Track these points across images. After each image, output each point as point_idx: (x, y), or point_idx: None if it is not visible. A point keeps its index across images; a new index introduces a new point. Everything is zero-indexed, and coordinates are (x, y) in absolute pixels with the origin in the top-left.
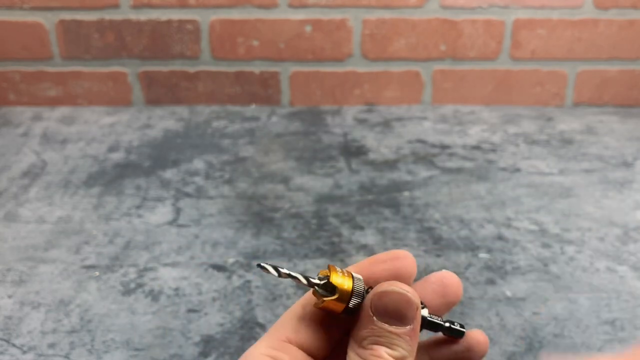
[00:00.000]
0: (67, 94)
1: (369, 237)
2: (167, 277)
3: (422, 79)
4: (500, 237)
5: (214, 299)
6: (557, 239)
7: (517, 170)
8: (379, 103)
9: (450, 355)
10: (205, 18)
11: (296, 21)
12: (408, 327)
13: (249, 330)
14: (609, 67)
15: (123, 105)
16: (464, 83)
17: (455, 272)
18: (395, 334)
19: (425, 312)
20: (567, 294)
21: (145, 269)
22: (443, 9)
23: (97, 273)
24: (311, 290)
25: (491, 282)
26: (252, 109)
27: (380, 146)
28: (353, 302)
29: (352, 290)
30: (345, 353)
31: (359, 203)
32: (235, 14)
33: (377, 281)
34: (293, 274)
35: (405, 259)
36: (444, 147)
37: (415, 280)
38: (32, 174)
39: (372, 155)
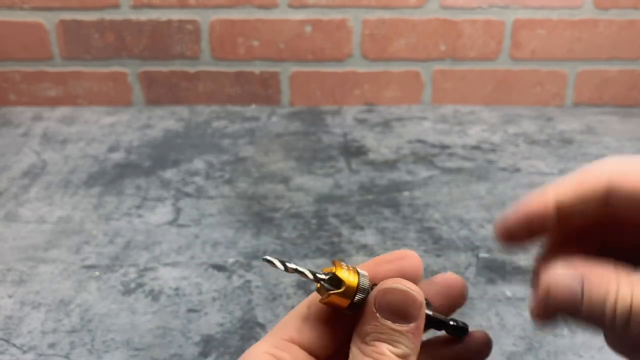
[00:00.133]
0: (67, 94)
1: (368, 237)
2: (167, 277)
3: (422, 79)
4: None
5: (214, 299)
6: None
7: (517, 170)
8: (379, 103)
9: (453, 355)
10: (206, 18)
11: (296, 21)
12: (411, 324)
13: (249, 330)
14: (609, 67)
15: (123, 105)
16: (464, 83)
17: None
18: (398, 331)
19: (429, 311)
20: None
21: (146, 269)
22: (443, 9)
23: (97, 273)
24: (316, 291)
25: (491, 282)
26: (252, 109)
27: (380, 146)
28: (358, 297)
29: (358, 285)
30: (347, 355)
31: (359, 203)
32: (236, 14)
33: (382, 280)
34: (299, 268)
35: (411, 259)
36: (443, 147)
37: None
38: (33, 174)
39: (372, 155)
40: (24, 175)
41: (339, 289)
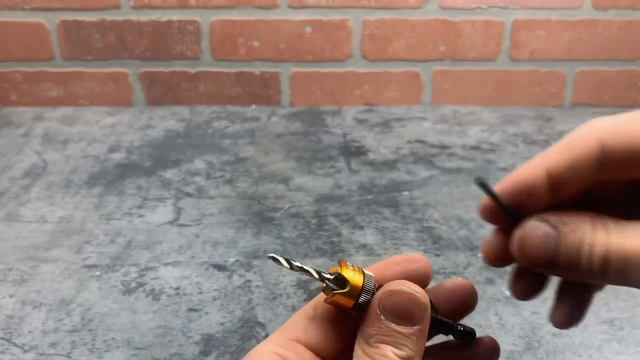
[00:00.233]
0: (68, 94)
1: (368, 236)
2: (167, 276)
3: (422, 79)
4: None
5: (214, 298)
6: None
7: None
8: (379, 103)
9: None
10: (206, 19)
11: (296, 22)
12: (415, 327)
13: (249, 329)
14: (608, 68)
15: (124, 105)
16: (464, 83)
17: (454, 273)
18: (402, 333)
19: (435, 314)
20: None
21: (146, 269)
22: (442, 10)
23: (97, 272)
24: (322, 290)
25: (490, 281)
26: (252, 110)
27: (380, 146)
28: (363, 297)
29: (363, 285)
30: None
31: (359, 203)
32: (236, 15)
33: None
34: (305, 267)
35: (419, 262)
36: (443, 147)
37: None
38: (34, 174)
39: (371, 156)
40: (25, 175)
41: (344, 289)
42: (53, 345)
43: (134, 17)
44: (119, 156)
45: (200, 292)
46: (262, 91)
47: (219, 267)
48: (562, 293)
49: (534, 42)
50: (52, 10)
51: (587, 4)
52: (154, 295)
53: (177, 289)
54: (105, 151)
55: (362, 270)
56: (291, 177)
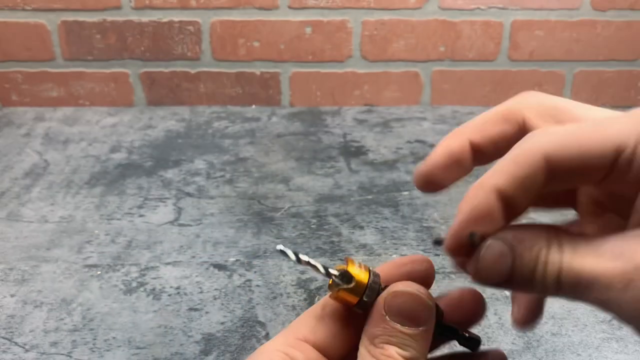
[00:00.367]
0: (69, 94)
1: (368, 236)
2: (168, 276)
3: (421, 79)
4: None
5: (215, 298)
6: None
7: None
8: (379, 104)
9: None
10: (206, 19)
11: (296, 22)
12: (421, 328)
13: (250, 328)
14: (607, 68)
15: (125, 105)
16: (463, 84)
17: (454, 273)
18: (407, 334)
19: (440, 318)
20: None
21: (147, 268)
22: (442, 11)
23: (98, 272)
24: (327, 287)
25: None
26: (252, 110)
27: (380, 146)
28: (368, 294)
29: (368, 282)
30: None
31: (359, 203)
32: (236, 16)
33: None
34: (312, 261)
35: (423, 264)
36: None
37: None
38: (35, 174)
39: (371, 156)
40: (26, 175)
41: (349, 285)
42: (54, 344)
43: (134, 17)
44: (119, 156)
45: (201, 292)
46: (262, 91)
47: (220, 267)
48: (516, 294)
49: (533, 43)
50: (53, 10)
51: (586, 5)
52: (155, 294)
53: (177, 288)
54: (106, 151)
55: (369, 269)
56: (291, 177)
